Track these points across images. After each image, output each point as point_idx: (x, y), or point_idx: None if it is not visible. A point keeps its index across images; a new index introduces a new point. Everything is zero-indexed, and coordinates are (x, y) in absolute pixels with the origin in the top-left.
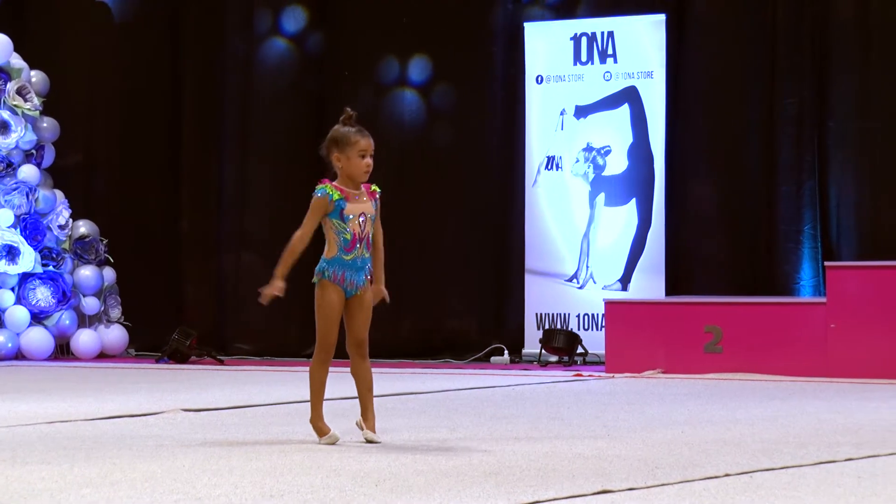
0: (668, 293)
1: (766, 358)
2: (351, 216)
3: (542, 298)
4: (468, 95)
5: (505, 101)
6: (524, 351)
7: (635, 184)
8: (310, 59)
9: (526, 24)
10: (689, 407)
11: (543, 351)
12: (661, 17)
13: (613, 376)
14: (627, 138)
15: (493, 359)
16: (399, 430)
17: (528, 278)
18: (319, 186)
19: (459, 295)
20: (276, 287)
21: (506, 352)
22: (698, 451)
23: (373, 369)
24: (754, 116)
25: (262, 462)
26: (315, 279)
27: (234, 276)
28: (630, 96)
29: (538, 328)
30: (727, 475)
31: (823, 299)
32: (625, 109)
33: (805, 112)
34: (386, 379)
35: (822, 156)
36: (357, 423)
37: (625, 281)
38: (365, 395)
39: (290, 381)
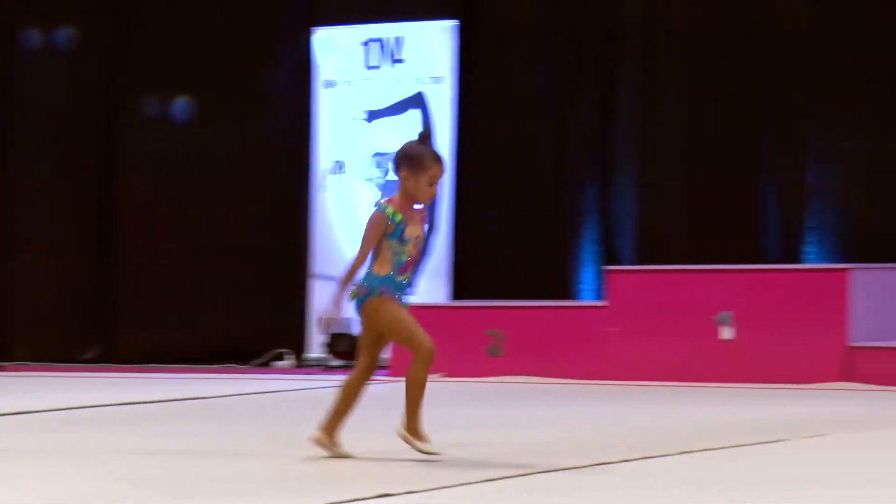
0: (453, 298)
1: (548, 361)
2: (409, 238)
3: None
4: (256, 99)
5: (294, 105)
6: (309, 355)
7: None
8: (82, 74)
9: (316, 29)
10: (471, 410)
11: (328, 355)
12: (452, 24)
13: (396, 380)
14: None
15: (277, 363)
16: (182, 435)
17: (314, 283)
18: (382, 204)
19: (245, 300)
20: (337, 310)
21: (289, 356)
22: (478, 453)
23: (157, 375)
24: (542, 123)
25: (44, 469)
26: (362, 297)
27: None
28: (419, 102)
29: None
30: (504, 477)
31: (604, 303)
32: (414, 114)
33: (586, 118)
34: (170, 384)
35: (606, 162)
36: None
37: (411, 285)
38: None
39: (69, 387)
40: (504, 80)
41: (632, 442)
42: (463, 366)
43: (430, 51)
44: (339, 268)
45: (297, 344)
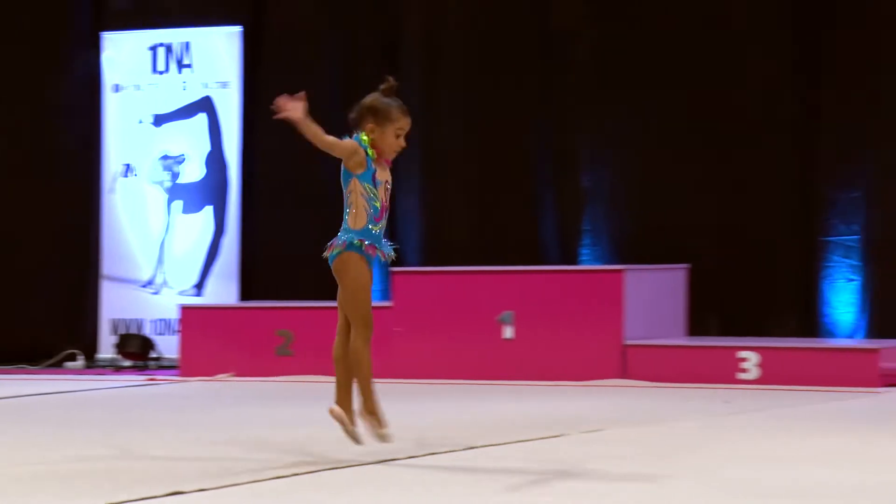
0: (241, 298)
1: (328, 360)
2: (381, 182)
3: (117, 304)
4: (46, 102)
5: (83, 109)
6: (99, 356)
7: (211, 191)
8: None
9: (104, 34)
10: (259, 409)
11: (118, 356)
12: (237, 29)
13: (187, 380)
14: (204, 147)
15: (67, 364)
16: None
17: (104, 284)
18: (354, 134)
19: (34, 300)
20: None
21: (80, 357)
22: (269, 451)
23: None
24: (326, 127)
25: None
26: (336, 251)
27: None
28: (206, 106)
29: (113, 333)
30: (295, 474)
31: (390, 303)
32: (201, 118)
33: None
34: None
35: (393, 169)
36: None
37: (200, 286)
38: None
39: None
40: (288, 85)
41: (419, 439)
42: (253, 366)
43: (217, 56)
44: (128, 270)
45: (87, 345)
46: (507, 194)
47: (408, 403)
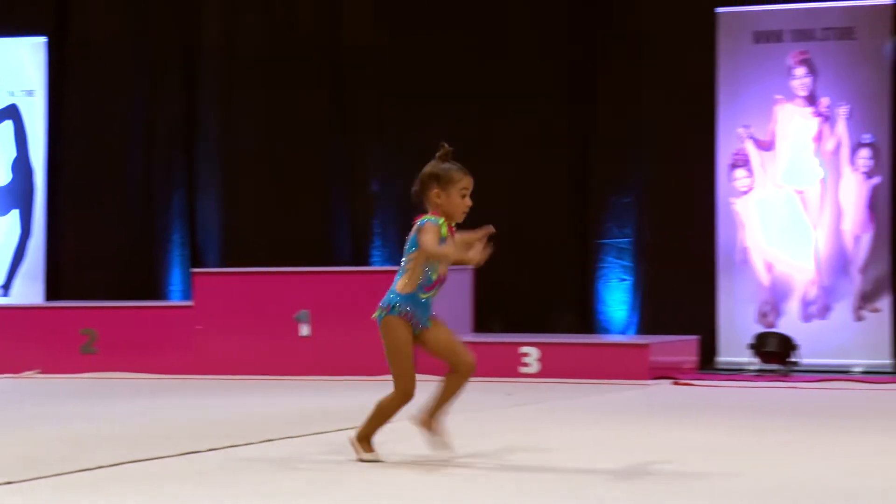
0: (47, 298)
1: (139, 358)
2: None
3: None
4: None
5: None
6: None
7: (17, 196)
8: None
9: None
10: (66, 405)
11: None
12: (42, 40)
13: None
14: (10, 153)
15: None
16: None
17: None
18: (429, 217)
19: None
20: (480, 240)
21: None
22: (74, 445)
23: None
24: (130, 133)
25: None
26: (380, 314)
27: None
28: (12, 113)
29: None
30: (100, 467)
31: (191, 303)
32: (7, 125)
33: (176, 131)
34: None
35: (191, 171)
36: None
37: (6, 287)
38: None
39: None
40: (93, 93)
41: (217, 431)
42: (58, 363)
43: (22, 65)
44: None
45: None
46: (303, 198)
47: (209, 399)
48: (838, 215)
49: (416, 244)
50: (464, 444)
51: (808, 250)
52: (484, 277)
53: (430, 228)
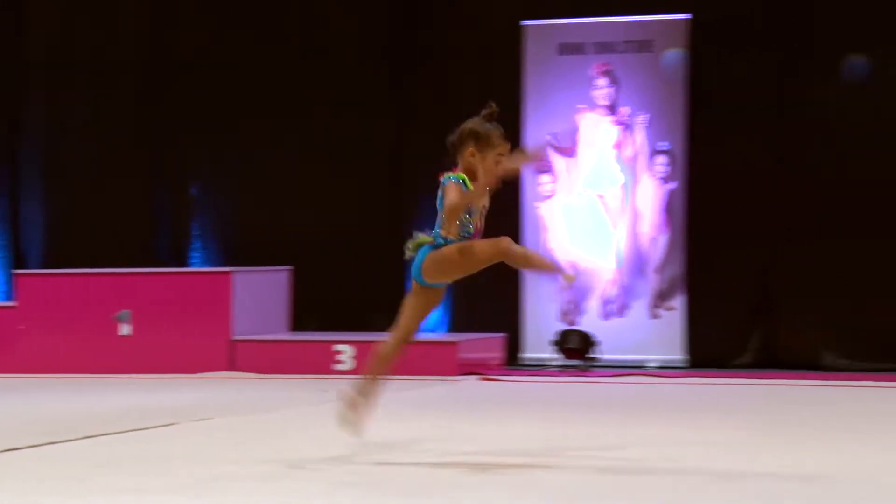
0: None
1: None
2: (476, 210)
3: None
4: None
5: None
6: None
7: None
8: None
9: None
10: None
11: None
12: None
13: None
14: None
15: None
16: None
17: None
18: (451, 174)
19: None
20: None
21: None
22: None
23: None
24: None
25: None
26: (428, 243)
27: None
28: None
29: None
30: None
31: (13, 303)
32: None
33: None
34: None
35: (14, 177)
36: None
37: None
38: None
39: None
40: None
41: (38, 429)
42: None
43: None
44: None
45: None
46: (124, 202)
47: (31, 397)
48: (636, 218)
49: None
50: (278, 440)
51: (609, 252)
52: (301, 277)
53: (452, 188)
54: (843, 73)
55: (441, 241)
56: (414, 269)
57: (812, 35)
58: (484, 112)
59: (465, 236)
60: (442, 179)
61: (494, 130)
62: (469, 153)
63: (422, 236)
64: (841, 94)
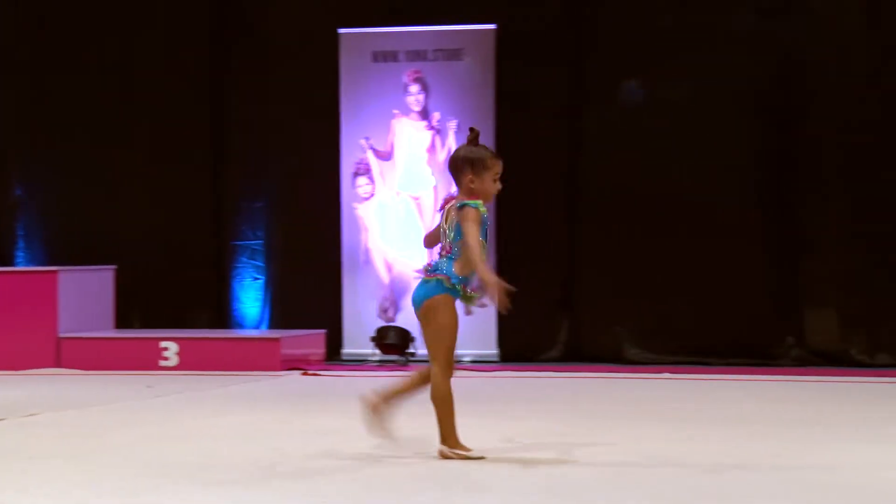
0: None
1: None
2: (482, 238)
3: None
4: None
5: None
6: None
7: None
8: None
9: None
10: None
11: None
12: None
13: None
14: None
15: None
16: None
17: None
18: (472, 201)
19: None
20: (502, 286)
21: None
22: None
23: None
24: None
25: None
26: (443, 284)
27: None
28: None
29: None
30: None
31: None
32: None
33: None
34: None
35: None
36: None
37: None
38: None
39: None
40: None
41: None
42: None
43: None
44: None
45: None
46: None
47: None
48: None
49: (461, 231)
50: (104, 435)
51: (424, 251)
52: (126, 276)
53: (470, 215)
54: (621, 93)
55: (455, 280)
56: (415, 301)
57: (597, 52)
58: (469, 137)
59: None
60: (457, 204)
61: (486, 152)
62: (468, 180)
63: (440, 265)
64: (617, 111)
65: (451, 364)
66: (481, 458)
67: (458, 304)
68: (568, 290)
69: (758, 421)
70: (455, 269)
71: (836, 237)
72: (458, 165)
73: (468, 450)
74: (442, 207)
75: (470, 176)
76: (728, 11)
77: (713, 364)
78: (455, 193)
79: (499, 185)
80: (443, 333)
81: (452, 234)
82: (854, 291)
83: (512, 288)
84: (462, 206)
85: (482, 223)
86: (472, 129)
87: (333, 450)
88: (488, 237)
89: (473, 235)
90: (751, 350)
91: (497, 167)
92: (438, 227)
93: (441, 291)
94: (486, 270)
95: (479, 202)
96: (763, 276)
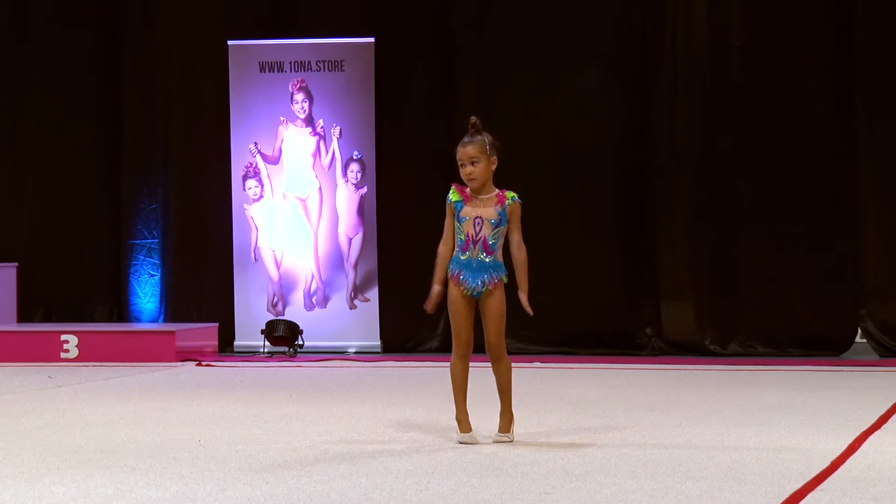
0: None
1: None
2: (466, 218)
3: None
4: None
5: None
6: None
7: None
8: None
9: None
10: None
11: None
12: None
13: None
14: None
15: None
16: None
17: None
18: (513, 193)
19: None
20: (435, 293)
21: None
22: None
23: None
24: None
25: None
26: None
27: None
28: None
29: None
30: None
31: None
32: None
33: None
34: None
35: None
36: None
37: None
38: (499, 395)
39: None
40: None
41: None
42: None
43: None
44: None
45: None
46: None
47: None
48: (334, 220)
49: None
50: (8, 422)
51: (310, 249)
52: (28, 273)
53: (447, 210)
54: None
55: (453, 264)
56: (476, 289)
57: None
58: (476, 125)
59: (461, 245)
60: (506, 200)
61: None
62: (493, 161)
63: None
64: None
65: (457, 343)
66: (470, 442)
67: (469, 284)
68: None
69: (602, 405)
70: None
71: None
72: (492, 148)
73: (466, 430)
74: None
75: (494, 158)
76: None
77: (579, 354)
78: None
79: (468, 169)
80: (449, 315)
81: (496, 222)
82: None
83: (437, 298)
84: (512, 201)
85: (450, 210)
86: (472, 118)
87: (225, 436)
88: (469, 225)
89: (444, 230)
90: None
91: (458, 154)
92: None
93: (501, 274)
94: (436, 274)
95: (452, 190)
96: (622, 271)
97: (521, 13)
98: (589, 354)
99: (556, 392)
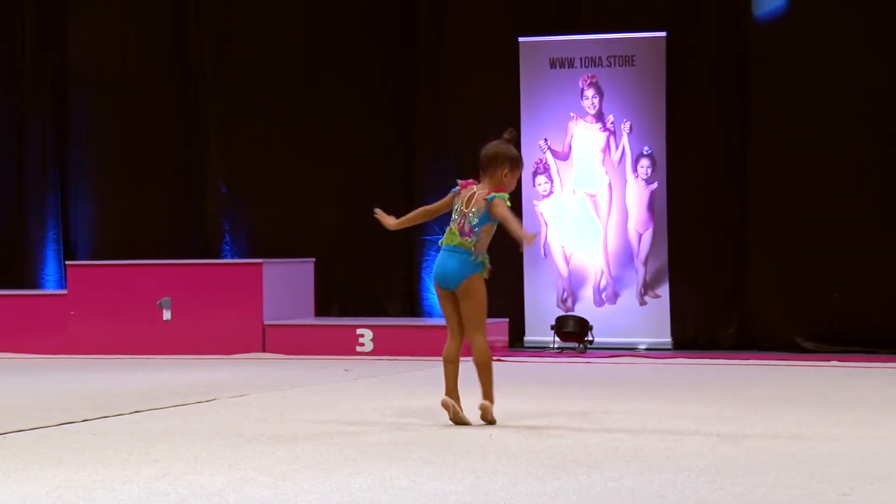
0: None
1: (20, 340)
2: (458, 207)
3: None
4: None
5: None
6: None
7: None
8: None
9: None
10: None
11: None
12: None
13: None
14: None
15: None
16: None
17: None
18: (499, 193)
19: None
20: (388, 219)
21: None
22: None
23: None
24: (7, 145)
25: None
26: (475, 268)
27: None
28: None
29: None
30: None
31: (65, 291)
32: None
33: (48, 141)
34: None
35: (63, 177)
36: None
37: None
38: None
39: None
40: None
41: (91, 404)
42: None
43: None
44: None
45: None
46: (160, 200)
47: (83, 375)
48: (624, 215)
49: (488, 217)
50: (309, 414)
51: (599, 245)
52: (324, 269)
53: (501, 203)
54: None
55: (480, 258)
56: (451, 280)
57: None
58: (507, 137)
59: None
60: (487, 197)
61: (520, 155)
62: (503, 173)
63: (461, 240)
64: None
65: (486, 333)
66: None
67: None
68: (736, 280)
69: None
70: (479, 246)
71: None
72: (500, 159)
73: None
74: (459, 192)
75: (506, 171)
76: None
77: (879, 353)
78: (470, 181)
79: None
80: (483, 306)
81: (477, 220)
82: None
83: (385, 219)
84: (493, 199)
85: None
86: (510, 131)
87: (515, 430)
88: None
89: (513, 219)
90: None
91: (521, 169)
92: (443, 204)
93: (475, 270)
94: (523, 229)
95: (505, 195)
96: None
97: (813, 10)
98: (890, 354)
99: (854, 392)
